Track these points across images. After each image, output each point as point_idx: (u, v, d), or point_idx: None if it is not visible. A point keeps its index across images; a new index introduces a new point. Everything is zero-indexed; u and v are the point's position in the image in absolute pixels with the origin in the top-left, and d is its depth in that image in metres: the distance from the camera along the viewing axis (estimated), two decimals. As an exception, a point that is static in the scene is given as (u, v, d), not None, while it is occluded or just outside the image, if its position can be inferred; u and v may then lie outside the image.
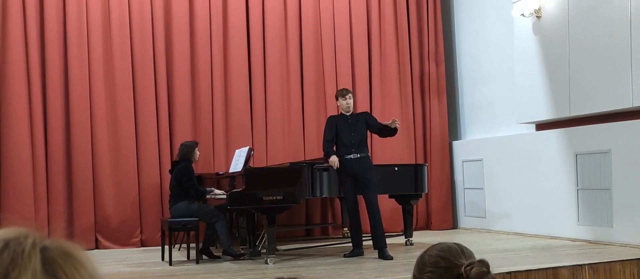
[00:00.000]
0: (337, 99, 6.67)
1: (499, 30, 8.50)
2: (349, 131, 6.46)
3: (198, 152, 6.92)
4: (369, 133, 6.78)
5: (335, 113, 7.06)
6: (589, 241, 6.86)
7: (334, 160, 6.36)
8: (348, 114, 6.54)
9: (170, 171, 6.89)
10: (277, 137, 8.55)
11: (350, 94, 6.58)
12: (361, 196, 6.52)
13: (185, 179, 6.50)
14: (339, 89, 7.11)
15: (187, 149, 6.74)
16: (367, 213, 6.43)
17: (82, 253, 0.88)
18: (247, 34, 8.51)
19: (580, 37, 6.92)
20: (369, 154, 6.61)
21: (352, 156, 6.39)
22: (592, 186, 6.92)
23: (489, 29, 8.77)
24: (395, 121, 6.42)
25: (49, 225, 7.42)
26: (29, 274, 0.79)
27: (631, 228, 6.44)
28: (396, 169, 7.22)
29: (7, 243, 0.82)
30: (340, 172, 6.44)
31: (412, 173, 7.29)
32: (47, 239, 0.85)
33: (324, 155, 6.57)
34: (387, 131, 6.53)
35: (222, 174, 7.29)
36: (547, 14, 7.39)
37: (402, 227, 7.72)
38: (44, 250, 0.83)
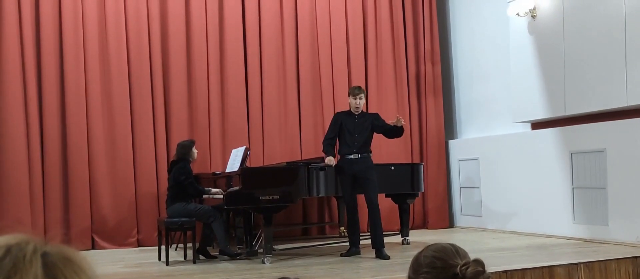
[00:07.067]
0: (348, 95, 6.63)
1: (495, 29, 8.52)
2: (353, 130, 6.44)
3: (196, 151, 6.91)
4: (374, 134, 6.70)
5: (334, 111, 7.03)
6: (585, 240, 6.89)
7: (330, 160, 6.36)
8: (356, 113, 6.52)
9: (169, 171, 6.89)
10: (273, 137, 8.55)
11: (361, 94, 6.48)
12: (361, 195, 6.51)
13: (184, 177, 6.50)
14: (351, 86, 7.02)
15: (185, 149, 6.73)
16: (367, 212, 6.42)
17: (81, 257, 0.90)
18: (243, 33, 8.51)
19: (575, 37, 6.94)
20: (370, 154, 6.56)
21: (352, 156, 6.40)
22: (588, 185, 6.95)
23: (485, 29, 8.79)
24: (400, 119, 6.37)
25: (45, 225, 7.43)
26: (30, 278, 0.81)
27: (626, 226, 6.46)
28: (392, 168, 7.23)
29: (8, 249, 0.84)
30: (340, 172, 6.45)
31: (408, 172, 7.31)
32: (47, 245, 0.87)
33: (323, 151, 6.55)
34: (394, 132, 6.47)
35: (219, 173, 7.30)
36: (542, 13, 7.41)
37: (398, 226, 7.74)
38: (44, 255, 0.84)
